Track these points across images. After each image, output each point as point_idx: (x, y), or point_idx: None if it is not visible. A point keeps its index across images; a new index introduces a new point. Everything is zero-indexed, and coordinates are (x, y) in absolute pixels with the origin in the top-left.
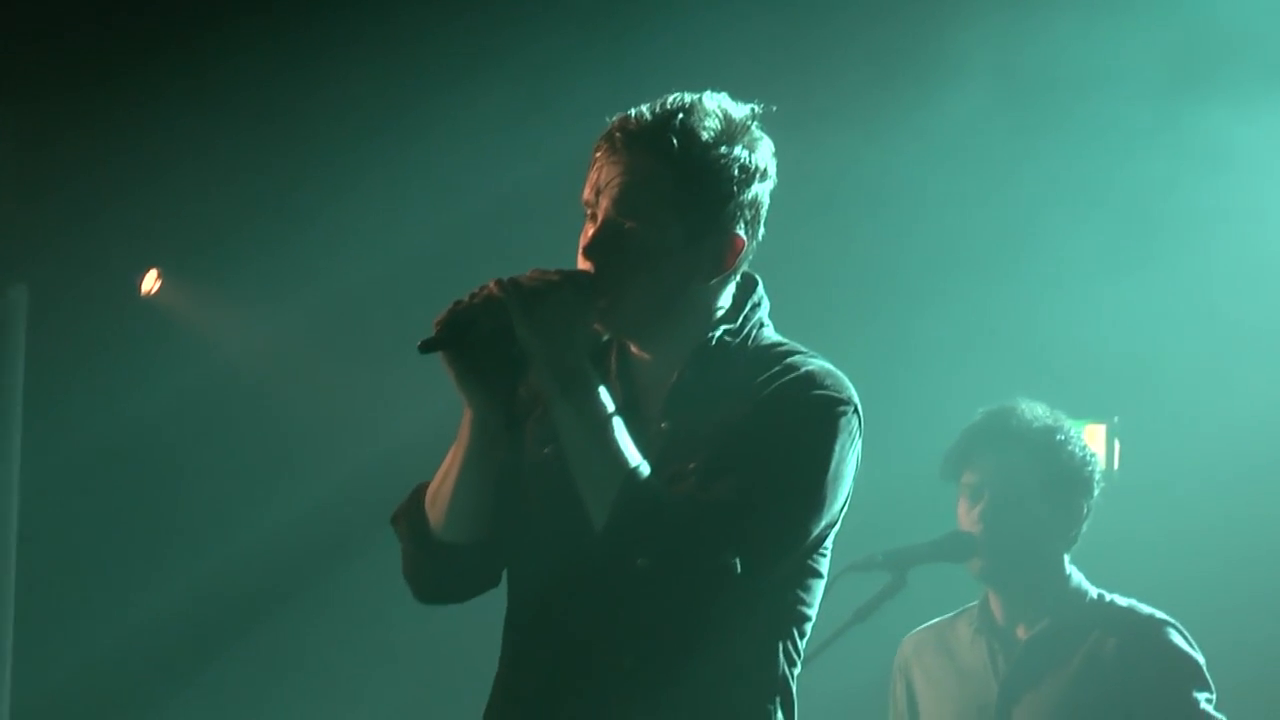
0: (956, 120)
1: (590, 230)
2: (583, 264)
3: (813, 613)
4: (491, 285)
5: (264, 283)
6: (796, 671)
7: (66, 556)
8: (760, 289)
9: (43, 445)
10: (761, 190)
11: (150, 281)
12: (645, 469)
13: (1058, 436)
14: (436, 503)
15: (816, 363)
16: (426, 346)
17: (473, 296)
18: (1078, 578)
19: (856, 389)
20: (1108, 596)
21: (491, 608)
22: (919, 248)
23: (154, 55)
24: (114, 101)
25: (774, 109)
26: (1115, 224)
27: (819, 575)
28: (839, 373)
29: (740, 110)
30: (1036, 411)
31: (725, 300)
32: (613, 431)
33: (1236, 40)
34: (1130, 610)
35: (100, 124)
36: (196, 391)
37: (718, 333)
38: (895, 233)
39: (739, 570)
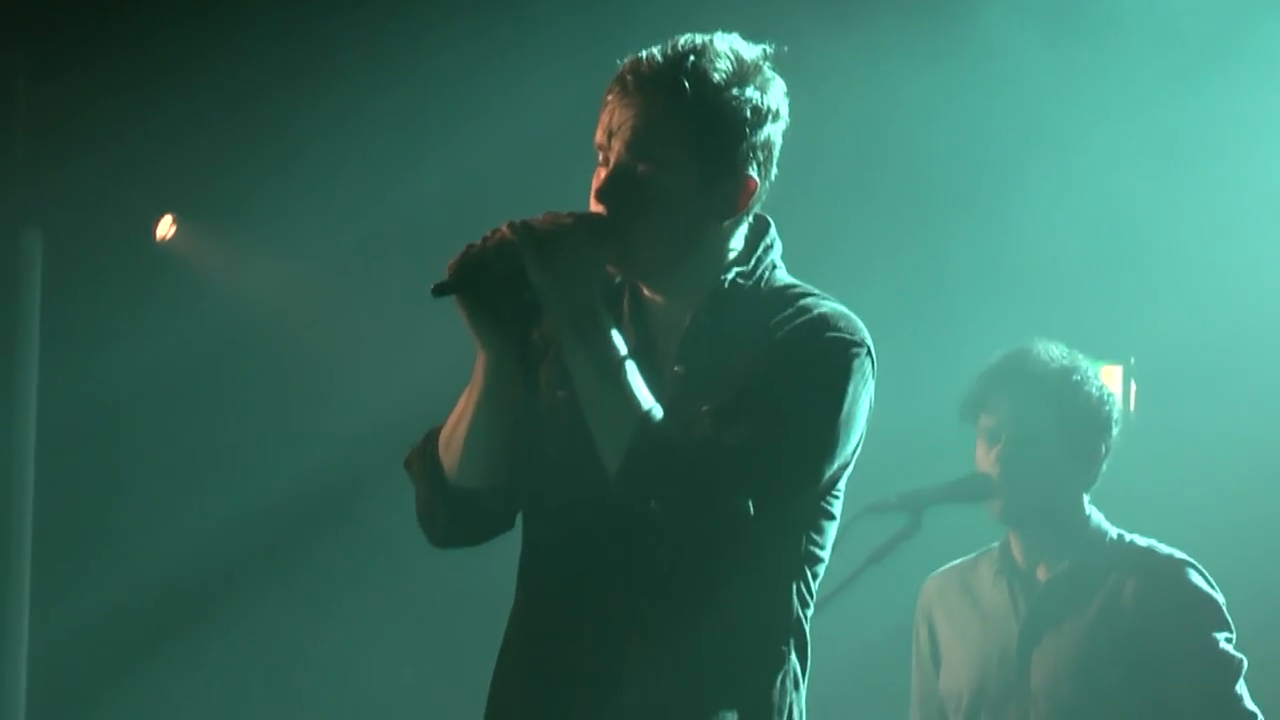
0: (991, 47)
1: (602, 173)
2: (595, 207)
3: (826, 555)
4: (504, 228)
5: (279, 227)
6: (810, 613)
7: (84, 502)
8: (773, 231)
9: (59, 392)
10: (774, 131)
11: (165, 227)
12: (659, 412)
13: (1075, 377)
14: (450, 446)
15: (829, 305)
16: (440, 290)
17: (485, 240)
18: (1098, 518)
19: (872, 330)
20: (1128, 537)
21: (510, 550)
22: (942, 183)
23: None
24: (127, 47)
25: (785, 49)
26: (1146, 156)
27: (832, 517)
28: (852, 315)
29: (752, 51)
30: (1053, 352)
31: (738, 242)
32: (626, 375)
33: None
34: (1150, 550)
35: (112, 71)
36: (213, 336)
37: (730, 275)
38: (917, 169)
39: (752, 512)
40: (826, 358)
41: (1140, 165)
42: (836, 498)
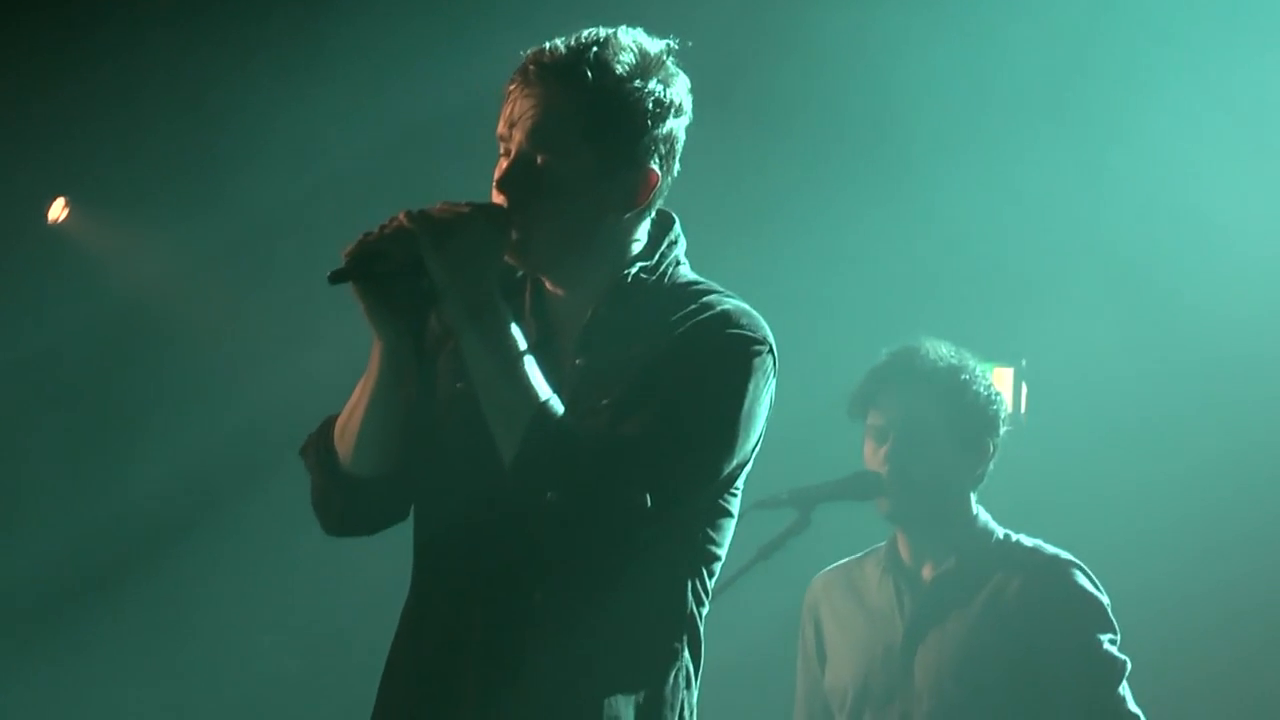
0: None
1: (504, 164)
2: (497, 198)
3: (722, 552)
4: (401, 216)
5: (175, 210)
6: (705, 611)
7: None
8: (677, 227)
9: None
10: (677, 126)
11: (57, 209)
12: (556, 403)
13: (963, 376)
14: (345, 434)
15: (732, 302)
16: (336, 277)
17: (383, 228)
18: (984, 517)
19: (770, 323)
20: (1014, 536)
21: (405, 539)
22: (839, 178)
23: None
24: (14, 26)
25: (690, 44)
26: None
27: (729, 515)
28: (754, 312)
29: (655, 45)
30: (941, 351)
31: (641, 236)
32: (523, 365)
33: None
34: (1036, 550)
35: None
36: (106, 319)
37: (633, 270)
38: (814, 161)
39: (649, 506)
40: (728, 355)
41: (1044, 174)
42: (735, 495)
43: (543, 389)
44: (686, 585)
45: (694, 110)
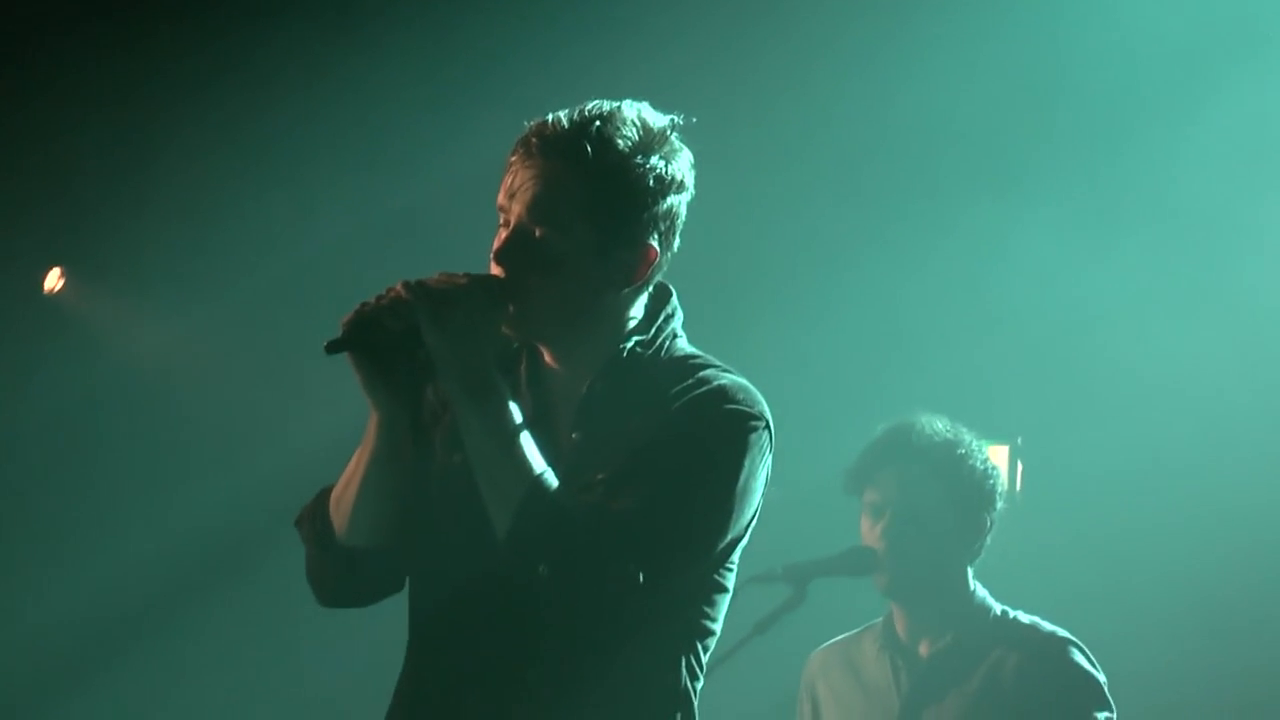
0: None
1: (503, 235)
2: (494, 270)
3: (717, 627)
4: (399, 287)
5: (170, 281)
6: (699, 685)
7: None
8: (674, 300)
9: None
10: (677, 202)
11: (53, 279)
12: (551, 477)
13: (959, 450)
14: (341, 506)
15: (729, 377)
16: (333, 347)
17: (380, 298)
18: (982, 593)
19: (766, 399)
20: (1011, 613)
21: (398, 611)
22: (835, 252)
23: (61, 50)
24: (18, 97)
25: (694, 120)
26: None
27: (724, 590)
28: (752, 387)
29: (659, 120)
30: (936, 426)
31: (638, 311)
32: (519, 439)
33: None
34: (1033, 628)
35: (3, 120)
36: (100, 390)
37: (629, 344)
38: (809, 234)
39: (641, 580)
40: (724, 430)
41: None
42: (730, 570)
43: (538, 463)
44: (680, 660)
45: (697, 181)
